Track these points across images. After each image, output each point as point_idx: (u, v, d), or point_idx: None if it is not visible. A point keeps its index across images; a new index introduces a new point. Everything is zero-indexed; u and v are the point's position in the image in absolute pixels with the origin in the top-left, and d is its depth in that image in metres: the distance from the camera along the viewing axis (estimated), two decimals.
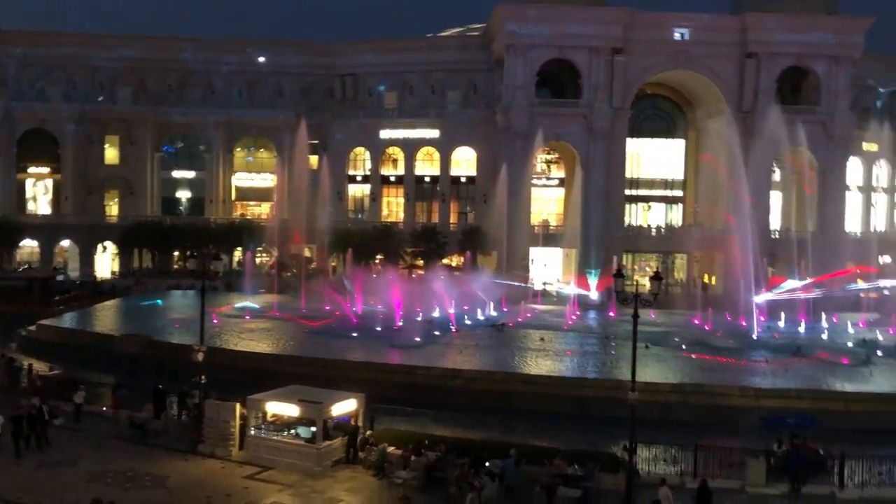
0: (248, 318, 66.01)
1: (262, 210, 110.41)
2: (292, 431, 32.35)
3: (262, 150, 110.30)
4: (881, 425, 39.58)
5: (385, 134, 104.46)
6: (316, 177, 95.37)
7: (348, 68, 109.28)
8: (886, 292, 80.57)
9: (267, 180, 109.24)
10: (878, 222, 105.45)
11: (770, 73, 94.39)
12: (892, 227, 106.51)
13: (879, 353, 56.05)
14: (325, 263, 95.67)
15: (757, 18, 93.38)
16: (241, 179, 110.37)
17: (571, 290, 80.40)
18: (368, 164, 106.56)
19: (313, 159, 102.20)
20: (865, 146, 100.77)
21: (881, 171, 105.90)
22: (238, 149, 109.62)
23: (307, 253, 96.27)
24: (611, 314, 73.27)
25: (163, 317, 66.86)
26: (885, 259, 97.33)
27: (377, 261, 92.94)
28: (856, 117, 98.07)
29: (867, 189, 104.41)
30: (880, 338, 61.90)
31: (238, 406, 33.42)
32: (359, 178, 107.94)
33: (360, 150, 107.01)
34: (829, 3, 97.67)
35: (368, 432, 33.32)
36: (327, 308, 69.75)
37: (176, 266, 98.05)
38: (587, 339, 60.98)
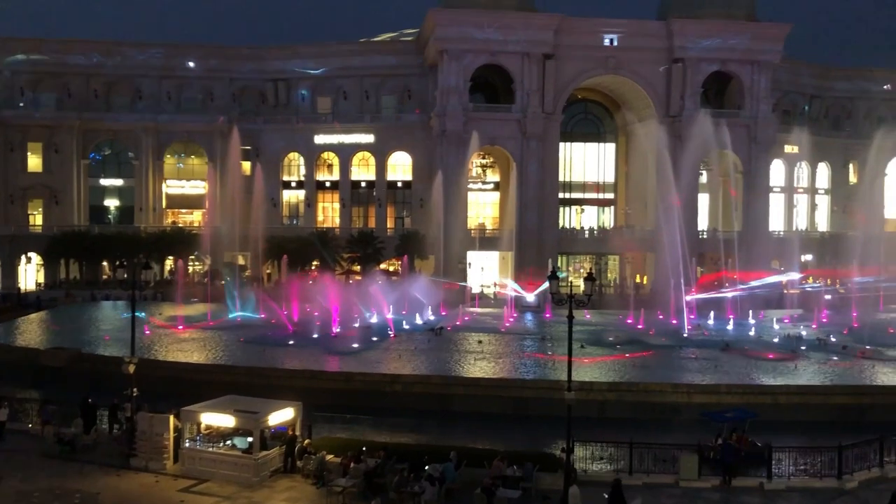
0: (180, 327, 64.67)
1: (194, 218, 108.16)
2: (228, 442, 31.85)
3: (192, 156, 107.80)
4: (807, 417, 41.07)
5: (319, 139, 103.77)
6: (249, 183, 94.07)
7: (280, 73, 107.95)
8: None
9: (198, 187, 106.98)
10: (800, 222, 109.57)
11: (696, 77, 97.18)
12: (813, 226, 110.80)
13: (803, 347, 58.19)
14: (260, 271, 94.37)
15: (682, 25, 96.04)
16: (171, 187, 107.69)
17: (511, 291, 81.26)
18: (303, 170, 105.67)
19: (246, 165, 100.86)
20: (787, 148, 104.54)
21: (802, 172, 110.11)
22: (168, 155, 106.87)
23: (241, 260, 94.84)
24: (546, 315, 74.35)
25: (91, 329, 64.87)
26: (807, 257, 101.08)
27: (313, 267, 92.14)
28: (777, 120, 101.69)
29: (789, 190, 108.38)
30: (804, 333, 64.32)
31: (172, 418, 32.69)
32: (293, 184, 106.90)
33: (294, 155, 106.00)
34: (749, 11, 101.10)
35: (306, 441, 33.00)
36: (262, 316, 68.92)
37: (105, 276, 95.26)
38: (524, 341, 61.63)
